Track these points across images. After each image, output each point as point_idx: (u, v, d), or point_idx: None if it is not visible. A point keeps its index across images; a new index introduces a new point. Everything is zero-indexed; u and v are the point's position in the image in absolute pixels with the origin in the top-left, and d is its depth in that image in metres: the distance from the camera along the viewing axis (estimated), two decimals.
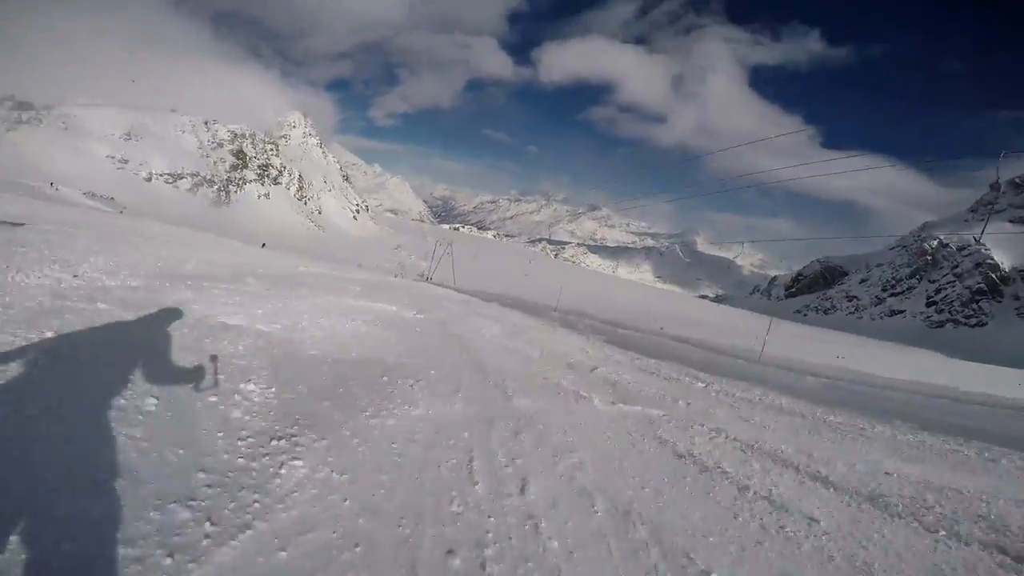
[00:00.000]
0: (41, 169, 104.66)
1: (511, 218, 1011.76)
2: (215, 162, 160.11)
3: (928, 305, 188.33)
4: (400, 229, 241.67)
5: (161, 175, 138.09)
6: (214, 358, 4.11)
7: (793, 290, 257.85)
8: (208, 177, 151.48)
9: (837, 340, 74.20)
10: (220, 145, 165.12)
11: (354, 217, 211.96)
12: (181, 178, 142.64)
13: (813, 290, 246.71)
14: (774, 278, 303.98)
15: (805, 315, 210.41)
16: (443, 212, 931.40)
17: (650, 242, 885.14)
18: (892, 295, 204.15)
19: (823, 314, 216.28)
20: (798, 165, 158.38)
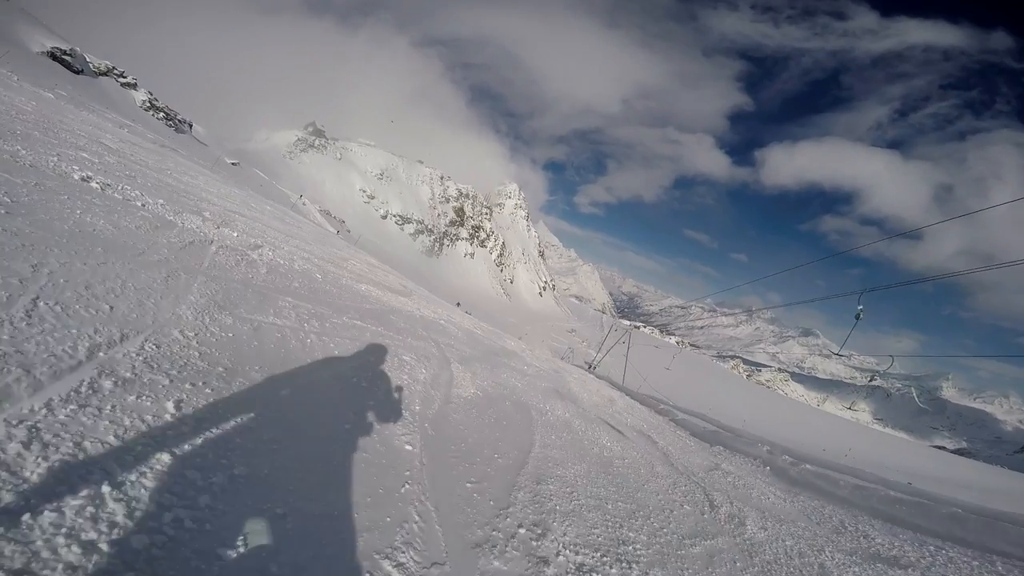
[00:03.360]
0: (311, 187, 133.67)
1: (701, 328, 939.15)
2: (439, 215, 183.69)
3: None
4: (579, 314, 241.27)
5: (395, 216, 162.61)
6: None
7: None
8: (429, 227, 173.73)
9: None
10: (447, 200, 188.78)
11: (540, 293, 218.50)
12: (409, 222, 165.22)
13: None
14: None
15: None
16: (627, 308, 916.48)
17: (876, 380, 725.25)
18: None
19: None
20: None
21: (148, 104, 51.82)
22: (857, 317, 10.96)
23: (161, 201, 7.44)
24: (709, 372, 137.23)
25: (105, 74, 47.31)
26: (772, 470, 9.18)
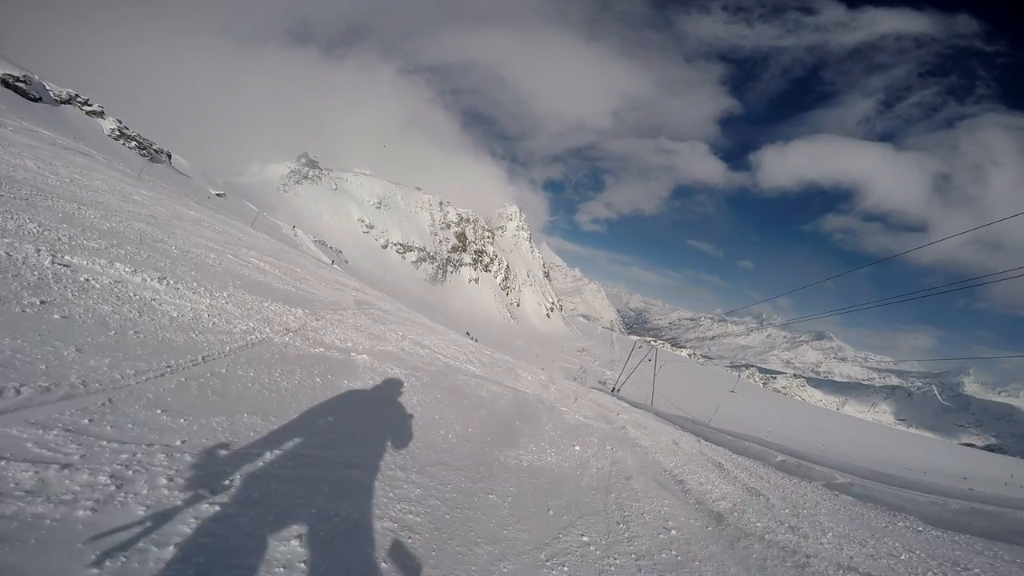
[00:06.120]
0: (308, 219, 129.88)
1: (712, 338, 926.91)
2: (440, 241, 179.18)
3: None
4: (588, 333, 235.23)
5: (396, 244, 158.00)
6: None
7: None
8: (432, 254, 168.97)
9: None
10: (448, 226, 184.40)
11: (547, 315, 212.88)
12: (410, 250, 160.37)
13: None
14: None
15: None
16: (636, 324, 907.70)
17: (894, 380, 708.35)
18: None
19: None
20: None
21: (118, 133, 48.12)
22: None
23: None
24: (742, 389, 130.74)
25: (67, 102, 43.81)
26: None
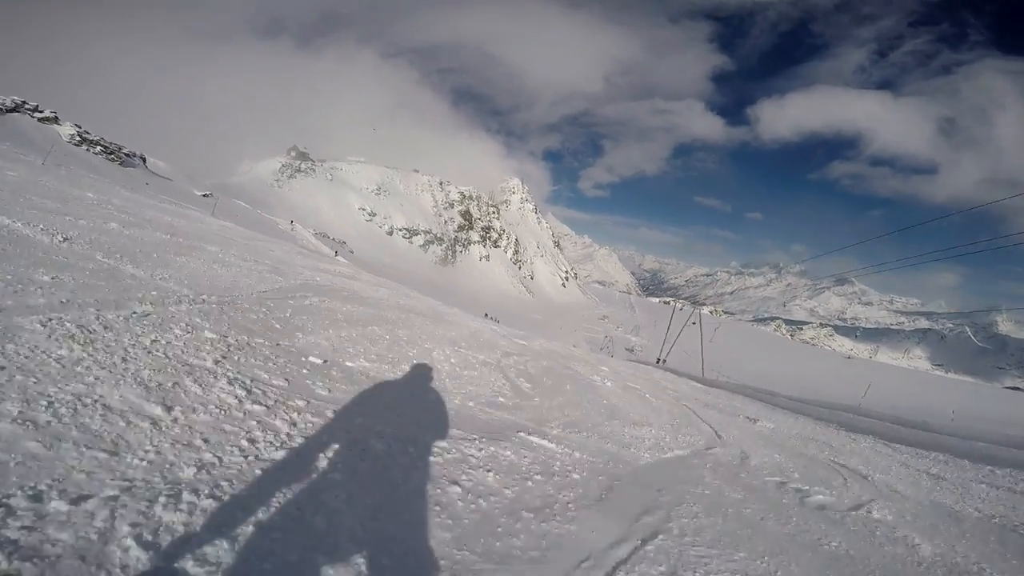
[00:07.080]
0: (309, 213, 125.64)
1: (731, 293, 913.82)
2: (446, 221, 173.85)
3: None
4: (606, 300, 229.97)
5: (401, 230, 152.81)
6: None
7: None
8: (439, 235, 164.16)
9: None
10: (451, 205, 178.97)
11: (563, 284, 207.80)
12: (416, 234, 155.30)
13: None
14: None
15: None
16: (651, 285, 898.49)
17: (924, 323, 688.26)
18: None
19: None
20: None
21: (78, 138, 43.87)
22: None
23: None
24: (782, 347, 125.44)
25: (14, 110, 39.66)
26: None
